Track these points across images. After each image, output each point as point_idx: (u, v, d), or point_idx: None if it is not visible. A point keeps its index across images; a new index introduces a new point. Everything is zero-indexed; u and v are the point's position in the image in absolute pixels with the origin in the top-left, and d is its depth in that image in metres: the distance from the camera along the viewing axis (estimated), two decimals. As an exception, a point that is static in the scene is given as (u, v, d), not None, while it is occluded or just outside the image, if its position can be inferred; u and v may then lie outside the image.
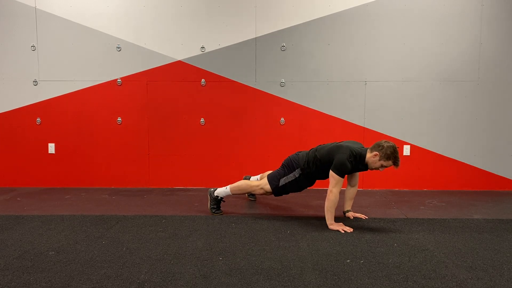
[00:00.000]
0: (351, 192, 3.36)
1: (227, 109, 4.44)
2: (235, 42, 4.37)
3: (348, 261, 2.40)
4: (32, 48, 4.43)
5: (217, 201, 3.41)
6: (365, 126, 4.41)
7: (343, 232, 2.93)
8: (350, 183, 3.35)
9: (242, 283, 2.12)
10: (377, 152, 2.96)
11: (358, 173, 3.32)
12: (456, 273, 2.24)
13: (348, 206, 3.38)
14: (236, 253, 2.53)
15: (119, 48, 4.42)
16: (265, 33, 4.36)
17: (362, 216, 3.32)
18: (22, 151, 4.54)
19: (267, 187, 3.28)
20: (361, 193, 4.25)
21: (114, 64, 4.44)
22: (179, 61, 4.42)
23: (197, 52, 4.41)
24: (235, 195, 3.68)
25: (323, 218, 3.28)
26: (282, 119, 4.44)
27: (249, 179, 3.89)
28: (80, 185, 4.54)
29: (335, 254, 2.51)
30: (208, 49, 4.40)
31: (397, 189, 4.44)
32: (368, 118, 4.40)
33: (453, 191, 4.37)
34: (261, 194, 3.39)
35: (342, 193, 3.18)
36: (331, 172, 3.01)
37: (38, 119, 4.50)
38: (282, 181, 3.25)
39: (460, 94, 4.35)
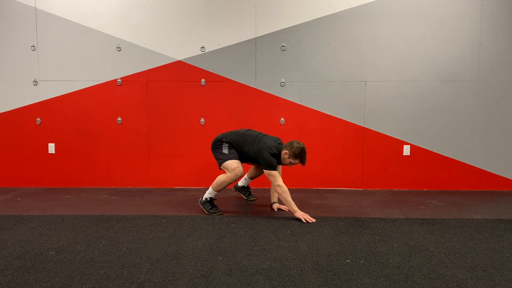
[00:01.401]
0: (274, 189, 3.54)
1: (227, 109, 4.44)
2: (235, 42, 4.37)
3: (348, 261, 2.40)
4: (32, 48, 4.44)
5: (210, 202, 3.44)
6: (365, 126, 4.41)
7: (305, 222, 3.16)
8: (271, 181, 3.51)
9: (242, 283, 2.12)
10: (287, 151, 3.30)
11: (280, 167, 3.59)
12: (456, 273, 2.24)
13: (274, 198, 3.61)
14: (236, 253, 2.53)
15: (119, 48, 4.42)
16: (265, 33, 4.36)
17: (285, 208, 3.52)
18: (22, 151, 4.54)
19: (229, 170, 3.35)
20: (361, 193, 4.25)
21: (114, 64, 4.44)
22: (179, 61, 4.42)
23: (197, 52, 4.41)
24: (223, 192, 3.77)
25: (323, 218, 3.28)
26: (282, 119, 4.44)
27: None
28: (80, 185, 4.54)
29: (335, 254, 2.51)
30: (208, 49, 4.40)
31: (397, 189, 4.44)
32: (368, 118, 4.41)
33: (453, 191, 4.38)
34: (234, 177, 3.36)
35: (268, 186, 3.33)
36: (267, 172, 3.31)
37: (38, 119, 4.51)
38: (225, 151, 3.45)
39: (460, 94, 4.35)
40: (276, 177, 3.28)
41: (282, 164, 3.43)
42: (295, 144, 3.28)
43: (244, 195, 3.96)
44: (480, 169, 4.40)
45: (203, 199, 3.47)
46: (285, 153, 3.31)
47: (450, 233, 2.93)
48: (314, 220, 3.19)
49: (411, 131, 4.40)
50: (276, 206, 3.56)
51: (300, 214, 3.22)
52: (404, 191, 4.38)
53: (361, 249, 2.60)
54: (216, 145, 3.52)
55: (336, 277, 2.19)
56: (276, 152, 3.33)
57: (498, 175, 4.40)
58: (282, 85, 4.41)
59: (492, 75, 4.31)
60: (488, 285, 2.10)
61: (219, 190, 3.43)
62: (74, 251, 2.56)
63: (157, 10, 4.38)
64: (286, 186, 3.22)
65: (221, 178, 3.38)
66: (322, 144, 4.44)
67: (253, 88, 4.40)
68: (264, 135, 3.48)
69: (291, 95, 4.42)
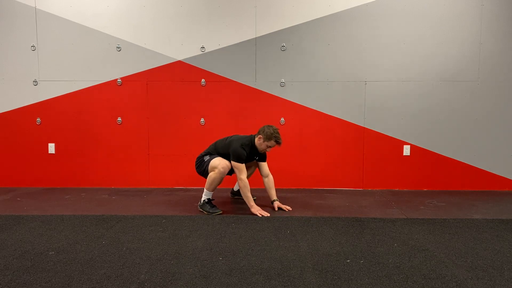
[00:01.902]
0: (267, 182, 3.62)
1: (227, 109, 4.44)
2: (235, 42, 4.37)
3: (348, 261, 2.40)
4: (32, 48, 4.44)
5: (208, 203, 3.46)
6: (365, 126, 4.41)
7: (261, 216, 3.29)
8: (262, 175, 3.65)
9: (242, 283, 2.12)
10: (260, 136, 3.45)
11: (266, 164, 3.66)
12: (456, 273, 2.24)
13: (272, 196, 3.62)
14: (236, 253, 2.53)
15: (119, 48, 4.42)
16: (265, 33, 4.36)
17: (287, 208, 3.54)
18: (22, 151, 4.54)
19: (215, 167, 3.41)
20: (361, 193, 4.25)
21: (114, 64, 4.44)
22: (179, 61, 4.42)
23: (197, 52, 4.41)
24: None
25: (323, 218, 3.28)
26: (282, 119, 4.44)
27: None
28: (80, 185, 4.54)
29: (335, 254, 2.51)
30: (208, 49, 4.40)
31: (397, 189, 4.44)
32: (368, 118, 4.41)
33: (453, 191, 4.38)
34: (222, 171, 3.40)
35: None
36: (233, 164, 3.39)
37: (38, 119, 4.51)
38: (206, 159, 3.55)
39: (460, 94, 4.35)
40: (240, 170, 3.37)
41: (260, 151, 3.53)
42: (266, 128, 3.45)
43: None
44: (480, 169, 4.40)
45: (201, 202, 3.49)
46: (259, 139, 3.46)
47: (450, 233, 2.93)
48: (268, 214, 3.32)
49: (411, 131, 4.40)
50: (276, 204, 3.57)
51: (255, 209, 3.37)
52: (404, 191, 4.38)
53: (361, 249, 2.60)
54: (198, 162, 3.61)
55: (336, 277, 2.19)
56: (249, 143, 3.46)
57: (498, 175, 4.40)
58: (282, 85, 4.41)
59: (492, 75, 4.31)
60: (488, 285, 2.10)
61: (214, 189, 3.45)
62: (74, 251, 2.56)
63: (157, 10, 4.38)
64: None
65: (211, 176, 3.42)
66: (322, 144, 4.44)
67: (253, 88, 4.40)
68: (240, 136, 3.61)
69: (291, 95, 4.42)
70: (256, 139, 3.49)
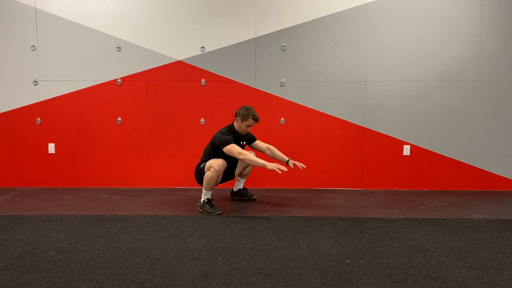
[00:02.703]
0: (270, 152, 3.71)
1: (227, 109, 4.43)
2: (235, 42, 4.37)
3: (348, 261, 2.40)
4: (32, 48, 4.44)
5: (207, 203, 3.46)
6: (365, 126, 4.41)
7: (280, 172, 3.23)
8: (262, 151, 3.75)
9: (242, 283, 2.12)
10: (238, 118, 3.52)
11: (258, 141, 3.78)
12: (456, 273, 2.24)
13: (284, 158, 3.62)
14: (236, 253, 2.53)
15: (119, 48, 4.42)
16: (265, 33, 4.36)
17: (302, 166, 3.48)
18: (22, 151, 4.54)
19: (213, 165, 3.41)
20: (361, 193, 4.25)
21: (114, 64, 4.44)
22: (179, 61, 4.42)
23: (197, 52, 4.41)
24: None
25: (323, 218, 3.28)
26: (282, 119, 4.44)
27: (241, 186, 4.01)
28: (80, 185, 4.54)
29: (335, 254, 2.51)
30: (208, 49, 4.40)
31: (397, 189, 4.44)
32: (368, 118, 4.41)
33: (453, 191, 4.38)
34: (218, 169, 3.40)
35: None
36: (225, 149, 3.38)
37: (38, 119, 4.51)
38: (202, 165, 3.58)
39: (460, 94, 4.35)
40: (233, 148, 3.37)
41: (241, 133, 3.58)
42: (241, 110, 3.52)
43: (245, 196, 3.96)
44: (480, 169, 4.40)
45: (201, 202, 3.50)
46: (236, 121, 3.54)
47: (450, 233, 2.93)
48: (286, 169, 3.27)
49: (411, 131, 4.40)
50: (291, 163, 3.49)
51: (271, 166, 3.28)
52: (404, 191, 4.38)
53: (361, 249, 2.60)
54: (196, 172, 3.64)
55: (336, 277, 2.19)
56: (228, 129, 3.53)
57: (498, 175, 4.40)
58: (282, 85, 4.41)
59: (492, 75, 4.31)
60: (488, 285, 2.10)
61: (211, 188, 3.45)
62: (74, 251, 2.56)
63: (157, 10, 4.38)
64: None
65: (207, 175, 3.43)
66: (322, 144, 4.44)
67: (253, 88, 4.40)
68: None
69: (291, 95, 4.42)
70: (235, 123, 3.56)
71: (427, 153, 4.41)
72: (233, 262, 2.38)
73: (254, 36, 4.36)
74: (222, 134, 3.47)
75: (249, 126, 3.55)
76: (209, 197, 3.48)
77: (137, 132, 4.50)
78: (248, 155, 3.38)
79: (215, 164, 3.40)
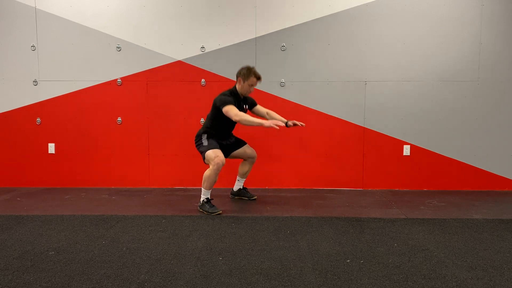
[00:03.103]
0: (270, 117, 3.73)
1: (227, 109, 4.43)
2: (235, 42, 4.37)
3: (348, 261, 2.40)
4: (32, 48, 4.44)
5: (207, 203, 3.46)
6: (365, 126, 4.41)
7: (277, 127, 3.19)
8: (262, 115, 3.76)
9: (242, 283, 2.12)
10: (239, 78, 3.50)
11: (259, 106, 3.77)
12: (456, 273, 2.24)
13: (284, 119, 3.61)
14: (236, 253, 2.53)
15: (119, 48, 4.42)
16: (265, 33, 4.36)
17: (301, 123, 3.56)
18: (22, 151, 4.54)
19: (210, 160, 3.40)
20: (361, 193, 4.25)
21: (114, 64, 4.44)
22: (179, 61, 4.42)
23: (197, 52, 4.41)
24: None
25: (323, 218, 3.28)
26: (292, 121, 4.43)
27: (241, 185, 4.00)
28: (80, 185, 4.54)
29: (335, 254, 2.51)
30: (208, 49, 4.40)
31: (397, 189, 4.44)
32: (368, 118, 4.40)
33: (453, 191, 4.37)
34: (216, 168, 3.39)
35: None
36: (223, 110, 3.36)
37: (38, 119, 4.51)
38: (204, 143, 3.52)
39: (460, 94, 4.35)
40: (230, 110, 3.34)
41: (245, 94, 3.56)
42: (241, 70, 3.50)
43: (245, 196, 3.96)
44: (480, 169, 4.40)
45: (200, 202, 3.50)
46: (239, 82, 3.52)
47: (450, 233, 2.93)
48: (283, 124, 3.26)
49: (411, 131, 4.40)
50: (291, 122, 3.55)
51: (267, 123, 3.24)
52: (404, 191, 4.38)
53: (361, 249, 2.60)
54: (197, 140, 3.62)
55: (336, 277, 2.19)
56: (230, 92, 3.50)
57: (498, 175, 4.40)
58: (282, 85, 4.41)
59: (492, 75, 4.31)
60: (488, 285, 2.10)
61: (210, 187, 3.45)
62: (74, 251, 2.56)
63: (157, 10, 4.38)
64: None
65: (206, 174, 3.43)
66: (322, 144, 4.44)
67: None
68: None
69: (291, 95, 4.42)
70: (237, 86, 3.55)
71: (427, 153, 4.41)
72: (233, 262, 2.38)
73: (254, 36, 4.36)
74: (223, 95, 3.46)
75: (252, 85, 3.51)
76: (208, 196, 3.48)
77: (137, 132, 4.50)
78: (244, 116, 3.34)
79: (215, 162, 3.37)
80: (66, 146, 4.53)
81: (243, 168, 3.86)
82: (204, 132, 3.59)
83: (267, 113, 3.77)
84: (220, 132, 3.60)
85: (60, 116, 4.50)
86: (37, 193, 4.26)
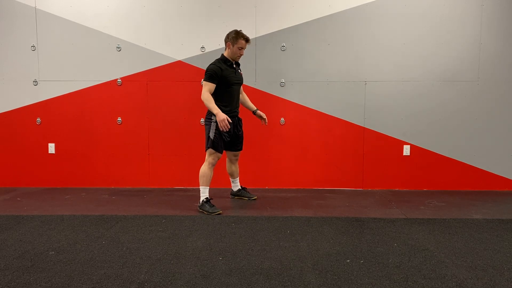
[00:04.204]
0: (243, 98, 3.81)
1: (227, 109, 4.43)
2: (235, 42, 4.37)
3: (348, 261, 2.40)
4: (32, 48, 4.44)
5: (207, 203, 3.47)
6: (365, 126, 4.41)
7: (221, 129, 3.32)
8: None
9: (242, 283, 2.12)
10: (228, 43, 3.50)
11: (240, 88, 3.75)
12: (456, 273, 2.24)
13: (253, 107, 3.80)
14: (236, 253, 2.53)
15: (119, 48, 4.42)
16: (265, 33, 4.36)
17: (265, 121, 3.78)
18: (22, 151, 4.54)
19: (209, 154, 3.47)
20: (361, 193, 4.25)
21: (114, 64, 4.44)
22: (179, 61, 4.42)
23: (197, 52, 4.41)
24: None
25: (323, 218, 3.28)
26: (282, 119, 4.43)
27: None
28: (80, 185, 4.54)
29: (335, 254, 2.51)
30: (208, 49, 4.40)
31: (397, 189, 4.44)
32: (368, 118, 4.40)
33: (453, 191, 4.37)
34: (213, 162, 3.48)
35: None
36: (203, 83, 3.43)
37: (38, 119, 4.51)
38: (211, 135, 3.48)
39: (460, 94, 4.35)
40: (205, 86, 3.40)
41: (236, 59, 3.57)
42: (229, 34, 3.51)
43: (245, 196, 3.96)
44: (480, 169, 4.39)
45: (200, 202, 3.50)
46: (228, 46, 3.51)
47: (450, 233, 2.93)
48: (228, 127, 3.32)
49: (411, 131, 4.40)
50: (259, 113, 3.78)
51: (220, 117, 3.31)
52: (404, 191, 4.38)
53: (361, 249, 2.60)
54: (207, 118, 3.55)
55: (336, 277, 2.19)
56: (219, 60, 3.51)
57: (498, 175, 4.40)
58: (282, 85, 4.41)
59: (492, 75, 4.31)
60: (488, 285, 2.10)
61: (207, 183, 3.49)
62: (74, 251, 2.56)
63: (157, 10, 4.38)
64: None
65: (201, 171, 3.49)
66: (322, 144, 4.44)
67: (253, 88, 4.40)
68: None
69: (291, 95, 4.42)
70: (226, 51, 3.54)
71: (427, 153, 4.41)
72: (233, 262, 2.38)
73: (254, 36, 4.35)
74: (211, 64, 3.48)
75: (242, 48, 3.50)
76: (207, 195, 3.48)
77: (137, 132, 4.50)
78: (207, 100, 3.38)
79: (211, 158, 3.47)
80: (66, 146, 4.53)
81: (230, 168, 3.89)
82: (212, 114, 3.48)
83: (242, 92, 3.81)
84: (228, 104, 3.54)
85: (60, 116, 4.50)
86: (37, 193, 4.26)
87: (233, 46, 3.49)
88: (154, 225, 3.10)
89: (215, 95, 3.48)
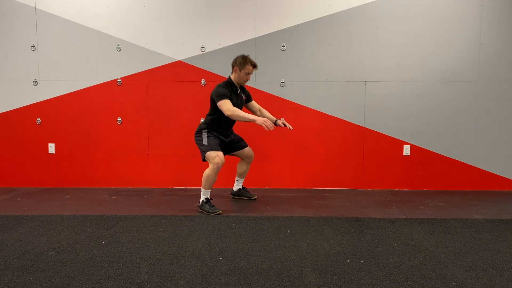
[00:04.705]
0: (261, 114, 3.74)
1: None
2: (235, 42, 4.37)
3: (348, 261, 2.40)
4: (32, 48, 4.44)
5: (207, 203, 3.46)
6: (365, 126, 4.41)
7: (267, 128, 3.21)
8: (255, 112, 3.78)
9: (242, 283, 2.12)
10: (235, 68, 3.50)
11: (253, 102, 3.80)
12: (456, 273, 2.24)
13: (272, 118, 3.67)
14: (236, 253, 2.53)
15: (119, 48, 4.42)
16: (265, 33, 4.36)
17: (289, 126, 3.58)
18: (22, 151, 4.54)
19: (212, 158, 3.40)
20: (361, 193, 4.25)
21: (114, 64, 4.44)
22: (179, 61, 4.42)
23: (197, 52, 4.41)
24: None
25: (323, 218, 3.28)
26: (282, 119, 4.42)
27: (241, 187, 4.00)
28: (80, 185, 4.54)
29: (335, 254, 2.51)
30: (208, 49, 4.40)
31: (397, 189, 4.44)
32: (368, 118, 4.40)
33: (453, 191, 4.37)
34: (217, 166, 3.39)
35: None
36: (218, 104, 3.38)
37: (38, 119, 4.51)
38: (204, 141, 3.50)
39: (460, 94, 4.35)
40: (224, 104, 3.35)
41: (242, 83, 3.56)
42: (236, 59, 3.50)
43: (245, 196, 3.96)
44: (480, 169, 4.40)
45: (200, 202, 3.50)
46: (234, 71, 3.51)
47: (450, 233, 2.93)
48: (272, 128, 3.24)
49: (411, 131, 4.40)
50: (281, 122, 3.61)
51: (260, 120, 3.27)
52: (404, 191, 4.38)
53: (361, 249, 2.60)
54: (197, 135, 3.59)
55: (336, 277, 2.19)
56: (226, 83, 3.50)
57: (498, 175, 4.40)
58: (282, 85, 4.41)
59: (492, 75, 4.31)
60: (488, 285, 2.10)
61: (210, 186, 3.46)
62: (74, 251, 2.56)
63: (157, 10, 4.38)
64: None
65: (205, 173, 3.43)
66: (322, 144, 4.44)
67: (253, 88, 4.40)
68: None
69: (291, 95, 4.42)
70: (232, 75, 3.53)
71: (427, 153, 4.41)
72: (233, 262, 2.38)
73: (254, 36, 4.36)
74: (218, 87, 3.46)
75: (249, 73, 3.49)
76: (208, 196, 3.48)
77: (137, 132, 4.50)
78: (236, 111, 3.32)
79: (214, 162, 3.37)
80: (66, 146, 4.53)
81: (241, 168, 3.87)
82: (205, 128, 3.56)
83: (259, 110, 3.78)
84: (220, 127, 3.56)
85: (60, 116, 4.50)
86: (37, 193, 4.26)
87: (240, 71, 3.48)
88: (154, 225, 3.10)
89: (210, 115, 3.54)
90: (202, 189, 3.47)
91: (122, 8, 4.38)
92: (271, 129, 3.24)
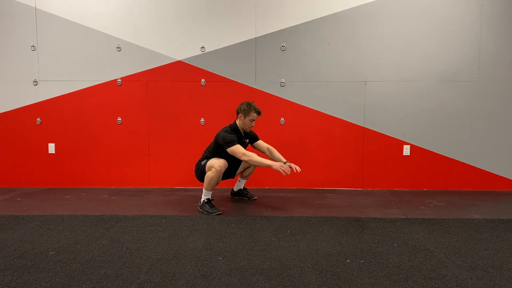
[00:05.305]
0: (270, 153, 3.70)
1: (227, 109, 4.43)
2: (235, 42, 4.37)
3: (348, 261, 2.40)
4: (32, 48, 4.44)
5: (207, 203, 3.46)
6: (365, 126, 4.41)
7: (284, 173, 3.24)
8: (263, 151, 3.76)
9: (242, 283, 2.12)
10: (240, 115, 3.54)
11: (260, 141, 3.79)
12: (456, 273, 2.24)
13: (282, 159, 3.59)
14: (236, 253, 2.53)
15: (119, 48, 4.42)
16: (265, 33, 4.36)
17: (297, 168, 3.44)
18: (22, 151, 4.54)
19: (214, 165, 3.42)
20: (361, 193, 4.25)
21: (114, 64, 4.44)
22: (179, 61, 4.42)
23: (197, 52, 4.41)
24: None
25: (323, 218, 3.28)
26: (282, 119, 4.44)
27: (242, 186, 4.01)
28: (80, 185, 4.54)
29: (335, 254, 2.51)
30: (208, 49, 4.40)
31: (397, 189, 4.44)
32: (368, 118, 4.40)
33: (453, 191, 4.37)
34: (219, 170, 3.40)
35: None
36: (229, 150, 3.39)
37: (38, 119, 4.51)
38: (203, 163, 3.56)
39: (460, 94, 4.35)
40: (237, 149, 3.37)
41: (246, 130, 3.60)
42: (241, 106, 3.53)
43: (245, 196, 3.96)
44: (480, 169, 4.40)
45: (201, 202, 3.50)
46: (239, 118, 3.55)
47: (450, 233, 2.93)
48: (289, 173, 3.25)
49: (411, 131, 4.40)
50: (288, 165, 3.44)
51: (276, 165, 3.29)
52: (404, 191, 4.38)
53: (361, 249, 2.60)
54: (196, 168, 3.63)
55: (336, 277, 2.19)
56: (232, 128, 3.53)
57: (498, 175, 4.40)
58: (282, 85, 4.41)
59: (492, 75, 4.31)
60: (488, 285, 2.10)
61: (212, 188, 3.46)
62: (74, 251, 2.56)
63: (157, 10, 4.38)
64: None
65: (208, 175, 3.44)
66: (322, 144, 4.44)
67: (253, 88, 4.40)
68: None
69: (291, 95, 4.42)
70: (237, 121, 3.57)
71: (427, 153, 4.41)
72: (233, 262, 2.38)
73: (254, 36, 4.36)
74: (225, 132, 3.47)
75: (253, 120, 3.54)
76: (209, 197, 3.48)
77: (137, 132, 4.50)
78: (253, 156, 3.36)
79: (217, 164, 3.39)
80: (66, 146, 4.53)
81: (247, 170, 3.86)
82: (203, 159, 3.60)
83: (267, 149, 3.73)
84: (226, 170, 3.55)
85: (60, 116, 4.50)
86: (37, 193, 4.26)
87: (244, 118, 3.52)
88: (154, 225, 3.10)
89: (212, 153, 3.56)
90: (204, 190, 3.47)
91: (122, 8, 4.38)
92: (288, 173, 3.28)
